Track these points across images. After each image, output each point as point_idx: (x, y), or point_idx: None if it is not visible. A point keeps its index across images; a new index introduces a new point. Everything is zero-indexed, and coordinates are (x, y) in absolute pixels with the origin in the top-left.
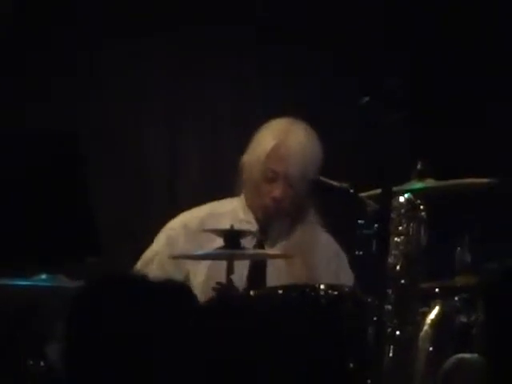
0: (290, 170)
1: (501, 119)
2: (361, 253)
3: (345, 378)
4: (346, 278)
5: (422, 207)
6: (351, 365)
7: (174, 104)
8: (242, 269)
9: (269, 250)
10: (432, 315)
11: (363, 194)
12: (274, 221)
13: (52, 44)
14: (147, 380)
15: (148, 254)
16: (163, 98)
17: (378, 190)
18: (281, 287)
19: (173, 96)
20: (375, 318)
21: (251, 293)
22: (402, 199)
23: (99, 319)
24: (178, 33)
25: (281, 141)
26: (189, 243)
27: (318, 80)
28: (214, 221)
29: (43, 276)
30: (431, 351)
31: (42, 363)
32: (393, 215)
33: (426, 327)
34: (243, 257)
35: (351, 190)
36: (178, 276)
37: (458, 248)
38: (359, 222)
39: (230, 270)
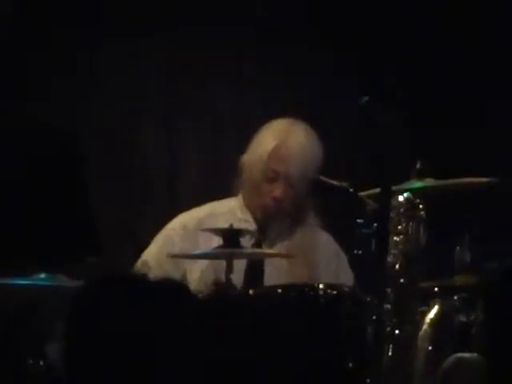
0: (291, 170)
1: (501, 119)
2: (360, 252)
3: (344, 377)
4: (346, 277)
5: (421, 206)
6: (350, 364)
7: (174, 104)
8: (239, 268)
9: (268, 250)
10: (431, 314)
11: (362, 194)
12: (274, 221)
13: (52, 44)
14: (147, 379)
15: (146, 254)
16: (163, 97)
17: (378, 190)
18: (280, 286)
19: (172, 96)
20: (374, 318)
21: (250, 292)
22: (401, 198)
23: (99, 319)
24: (178, 33)
25: (282, 141)
26: (187, 243)
27: (318, 80)
28: (213, 221)
29: (43, 275)
30: (430, 350)
31: (41, 362)
32: (392, 214)
33: (425, 326)
34: (242, 256)
35: (350, 190)
36: (176, 276)
37: (458, 247)
38: (358, 221)
39: (229, 269)
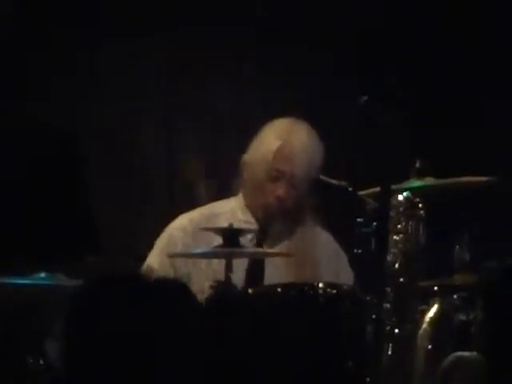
0: (296, 170)
1: (501, 119)
2: (360, 251)
3: (343, 376)
4: (346, 276)
5: (420, 205)
6: (350, 363)
7: (174, 104)
8: (241, 268)
9: (268, 249)
10: (431, 313)
11: (362, 193)
12: (275, 220)
13: (52, 44)
14: (146, 378)
15: (150, 257)
16: (163, 97)
17: (377, 189)
18: (279, 285)
19: (172, 96)
20: (374, 317)
21: (250, 291)
22: (400, 197)
23: (98, 318)
24: (178, 33)
25: (285, 141)
26: (189, 244)
27: (318, 80)
28: (213, 222)
29: (42, 274)
30: (430, 349)
31: (41, 361)
32: (392, 213)
33: (424, 325)
34: (242, 255)
35: (350, 189)
36: (181, 276)
37: (457, 246)
38: (358, 220)
39: (228, 269)
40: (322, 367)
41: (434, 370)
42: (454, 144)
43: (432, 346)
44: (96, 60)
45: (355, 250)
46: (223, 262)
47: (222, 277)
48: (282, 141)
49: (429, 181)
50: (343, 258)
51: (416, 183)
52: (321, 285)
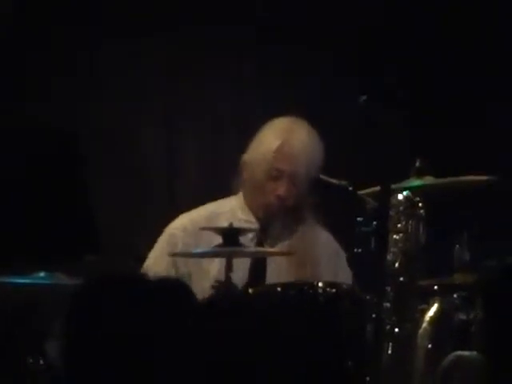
0: (296, 169)
1: (501, 119)
2: (360, 250)
3: (343, 375)
4: (345, 276)
5: (420, 205)
6: (350, 362)
7: (174, 104)
8: (241, 267)
9: (268, 249)
10: (431, 312)
11: (362, 192)
12: (275, 219)
13: (52, 44)
14: (146, 378)
15: (150, 259)
16: (163, 97)
17: (377, 188)
18: (279, 285)
19: (172, 96)
20: (374, 316)
21: (249, 290)
22: (400, 197)
23: (98, 317)
24: (178, 33)
25: (285, 140)
26: (190, 244)
27: (318, 80)
28: (213, 221)
29: (42, 274)
30: (430, 348)
31: (41, 361)
32: (391, 213)
33: (424, 324)
34: (242, 254)
35: (350, 188)
36: (182, 276)
37: (457, 246)
38: (358, 219)
39: (228, 268)
40: (322, 366)
41: (433, 370)
42: (454, 144)
43: (432, 346)
44: (96, 60)
45: (355, 250)
46: (224, 261)
47: (222, 276)
48: (282, 140)
49: (428, 180)
50: (342, 257)
51: (416, 182)
52: (320, 284)
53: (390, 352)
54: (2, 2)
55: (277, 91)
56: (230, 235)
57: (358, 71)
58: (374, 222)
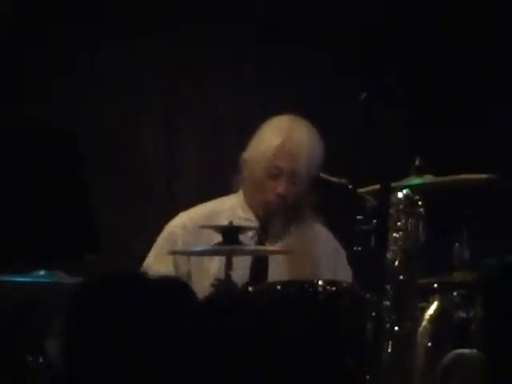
0: (296, 167)
1: (501, 119)
2: (359, 248)
3: (343, 373)
4: (345, 274)
5: (420, 203)
6: (350, 361)
7: (174, 104)
8: (241, 266)
9: (268, 247)
10: (431, 311)
11: (362, 190)
12: (275, 218)
13: (52, 44)
14: (146, 377)
15: (150, 257)
16: (163, 97)
17: (377, 186)
18: (279, 283)
19: (172, 96)
20: (374, 314)
21: (250, 289)
22: (400, 195)
23: (98, 316)
24: (178, 33)
25: (285, 138)
26: (189, 242)
27: (318, 80)
28: (213, 219)
29: (42, 272)
30: (430, 347)
31: (41, 359)
32: (391, 211)
33: (424, 323)
34: (242, 253)
35: (350, 186)
36: (182, 274)
37: (457, 244)
38: (358, 217)
39: (228, 266)
40: (322, 364)
41: (433, 368)
42: (454, 144)
43: (432, 344)
44: (96, 60)
45: (355, 248)
46: (224, 259)
47: (222, 275)
48: (282, 138)
49: (428, 178)
50: (342, 256)
51: (416, 181)
52: (320, 282)
53: (389, 350)
54: (2, 2)
55: (277, 91)
56: (230, 233)
57: (358, 71)
58: (374, 220)
